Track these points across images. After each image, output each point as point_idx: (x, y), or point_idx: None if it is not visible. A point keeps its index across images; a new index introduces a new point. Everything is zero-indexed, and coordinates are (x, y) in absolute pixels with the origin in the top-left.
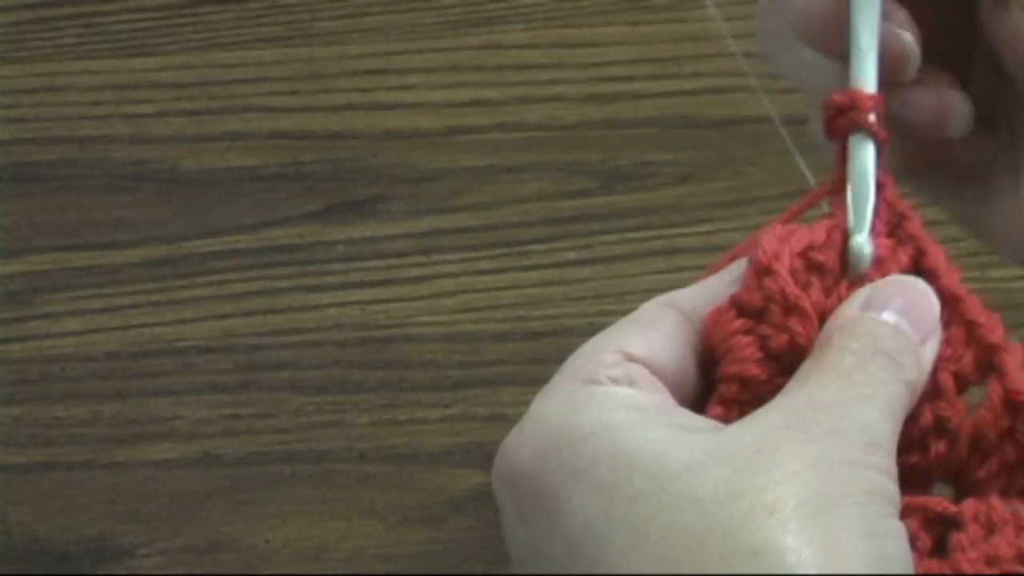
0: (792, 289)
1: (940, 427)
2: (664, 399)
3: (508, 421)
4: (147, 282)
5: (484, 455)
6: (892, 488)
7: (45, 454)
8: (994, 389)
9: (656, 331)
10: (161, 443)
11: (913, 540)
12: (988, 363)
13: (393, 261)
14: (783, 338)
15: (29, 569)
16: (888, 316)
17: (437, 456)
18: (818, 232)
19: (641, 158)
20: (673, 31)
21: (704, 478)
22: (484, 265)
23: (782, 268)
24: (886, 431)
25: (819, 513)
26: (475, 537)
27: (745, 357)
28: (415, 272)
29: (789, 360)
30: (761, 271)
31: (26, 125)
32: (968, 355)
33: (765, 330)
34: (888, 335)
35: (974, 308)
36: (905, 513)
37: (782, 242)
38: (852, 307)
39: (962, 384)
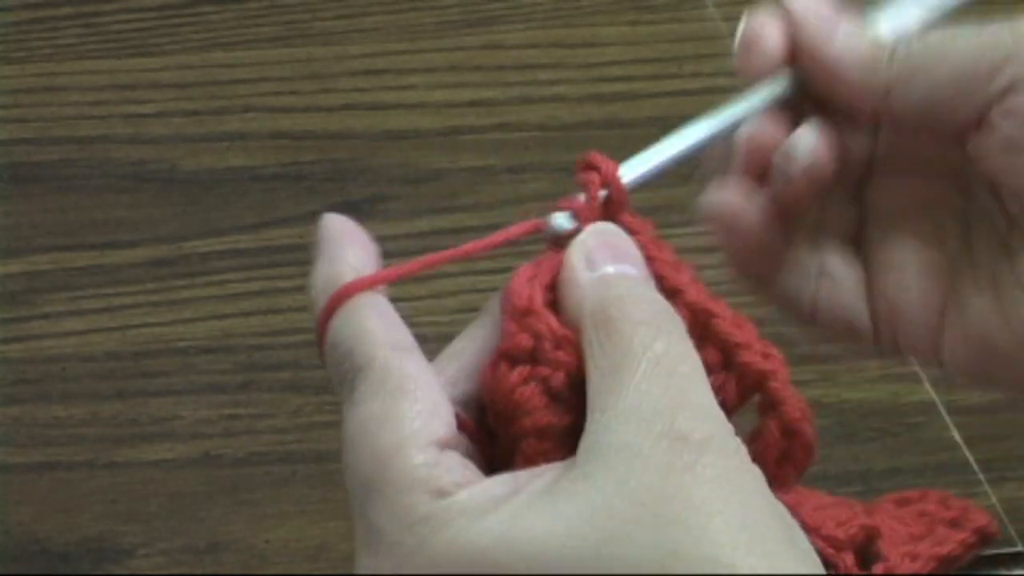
0: (555, 322)
1: None
2: (503, 480)
3: None
4: (147, 282)
5: None
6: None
7: (45, 454)
8: (773, 423)
9: (431, 396)
10: (161, 443)
11: None
12: (753, 386)
13: (393, 261)
14: (560, 375)
15: (29, 569)
16: (613, 268)
17: None
18: (557, 261)
19: None
20: (673, 31)
21: (629, 554)
22: (484, 265)
23: (539, 306)
24: (711, 399)
25: (752, 534)
26: None
27: (534, 408)
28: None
29: (571, 393)
30: (520, 314)
31: (26, 125)
32: (730, 383)
33: (542, 372)
34: (629, 293)
35: (728, 325)
36: None
37: (531, 281)
38: (580, 272)
39: (731, 410)
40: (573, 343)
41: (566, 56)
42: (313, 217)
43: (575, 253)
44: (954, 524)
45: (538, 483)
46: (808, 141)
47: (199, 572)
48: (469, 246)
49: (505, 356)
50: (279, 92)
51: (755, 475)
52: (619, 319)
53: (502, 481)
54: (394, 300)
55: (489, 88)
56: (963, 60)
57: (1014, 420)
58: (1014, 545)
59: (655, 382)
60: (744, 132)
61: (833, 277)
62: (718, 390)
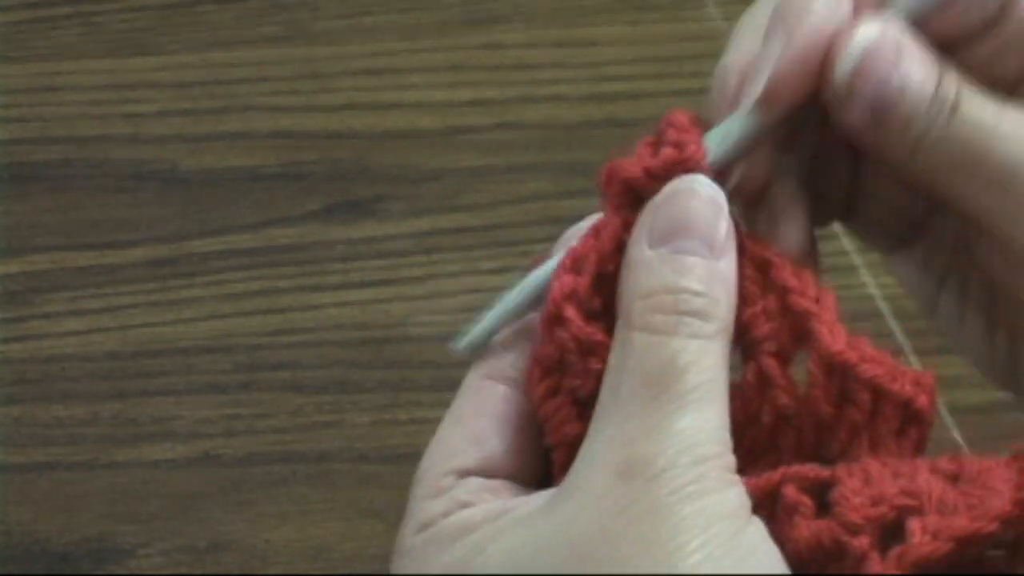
0: (583, 331)
1: (782, 419)
2: (497, 502)
3: None
4: (147, 282)
5: None
6: (737, 486)
7: (45, 454)
8: (812, 360)
9: (483, 421)
10: (161, 443)
11: (795, 506)
12: (804, 330)
13: (393, 261)
14: (589, 385)
15: (29, 569)
16: (673, 251)
17: None
18: (606, 242)
19: None
20: (673, 31)
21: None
22: (484, 265)
23: (571, 311)
24: (703, 419)
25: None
26: None
27: (562, 420)
28: (415, 272)
29: None
30: (552, 322)
31: (26, 125)
32: (783, 328)
33: (571, 383)
34: (681, 283)
35: (785, 273)
36: (782, 481)
37: (573, 274)
38: (641, 247)
39: (785, 360)
40: (606, 347)
41: (566, 56)
42: (313, 217)
43: (639, 226)
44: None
45: (521, 510)
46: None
47: (199, 572)
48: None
49: (537, 363)
50: (279, 92)
51: (714, 504)
52: (632, 325)
53: (486, 509)
54: (394, 300)
55: (489, 88)
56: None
57: (1014, 420)
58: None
59: (641, 403)
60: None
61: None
62: (773, 338)
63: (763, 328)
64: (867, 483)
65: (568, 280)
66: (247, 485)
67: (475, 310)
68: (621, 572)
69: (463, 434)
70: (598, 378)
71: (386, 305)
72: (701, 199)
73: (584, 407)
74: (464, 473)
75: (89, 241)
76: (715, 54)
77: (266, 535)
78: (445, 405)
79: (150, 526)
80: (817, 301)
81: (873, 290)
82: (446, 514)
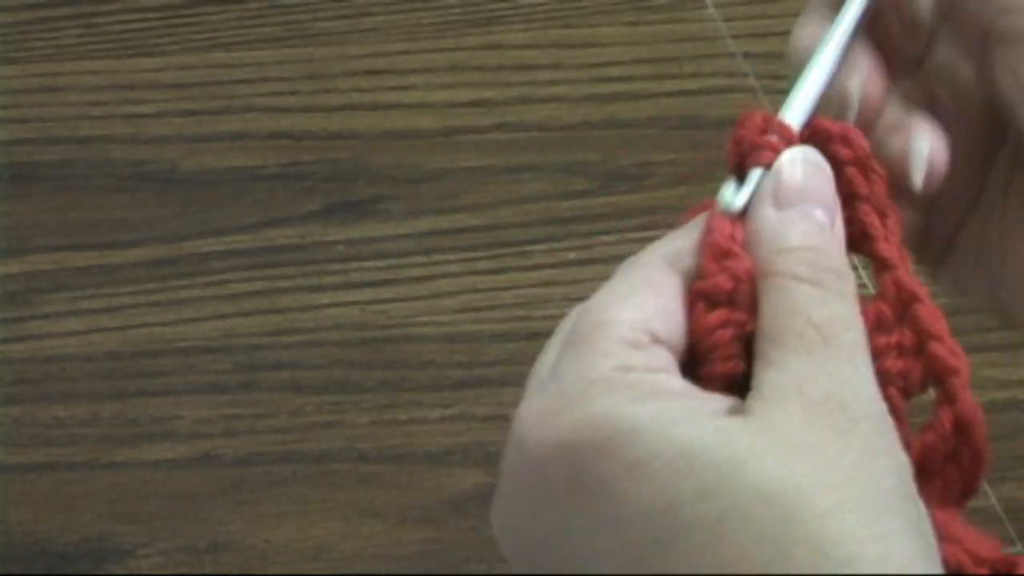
0: (752, 266)
1: None
2: (689, 385)
3: (508, 421)
4: (147, 282)
5: (484, 455)
6: (904, 457)
7: (45, 454)
8: (946, 416)
9: (667, 301)
10: (161, 443)
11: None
12: (937, 379)
13: (393, 261)
14: (753, 323)
15: (29, 569)
16: (797, 210)
17: (437, 456)
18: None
19: (641, 158)
20: (673, 31)
21: (769, 473)
22: (484, 265)
23: (740, 248)
24: (874, 390)
25: (884, 512)
26: (475, 537)
27: (729, 355)
28: (415, 272)
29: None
30: (720, 255)
31: (26, 125)
32: (916, 369)
33: (738, 316)
34: (803, 244)
35: (929, 313)
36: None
37: (732, 222)
38: (766, 208)
39: (906, 397)
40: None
41: (566, 56)
42: (313, 217)
43: (768, 185)
44: None
45: (712, 404)
46: (927, 146)
47: (199, 572)
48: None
49: (703, 296)
50: (279, 92)
51: (900, 460)
52: (785, 273)
53: (685, 385)
54: (394, 300)
55: (489, 88)
56: None
57: (1014, 420)
58: (1014, 545)
59: (816, 350)
60: (853, 94)
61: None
62: (904, 374)
63: (895, 363)
64: (968, 532)
65: (728, 222)
66: (247, 485)
67: (475, 310)
68: (835, 484)
69: (657, 303)
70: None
71: (386, 305)
72: (816, 168)
73: (746, 345)
74: (656, 339)
75: (89, 241)
76: (715, 54)
77: (266, 535)
78: (445, 405)
79: (150, 526)
80: (956, 355)
81: (873, 290)
82: (649, 369)
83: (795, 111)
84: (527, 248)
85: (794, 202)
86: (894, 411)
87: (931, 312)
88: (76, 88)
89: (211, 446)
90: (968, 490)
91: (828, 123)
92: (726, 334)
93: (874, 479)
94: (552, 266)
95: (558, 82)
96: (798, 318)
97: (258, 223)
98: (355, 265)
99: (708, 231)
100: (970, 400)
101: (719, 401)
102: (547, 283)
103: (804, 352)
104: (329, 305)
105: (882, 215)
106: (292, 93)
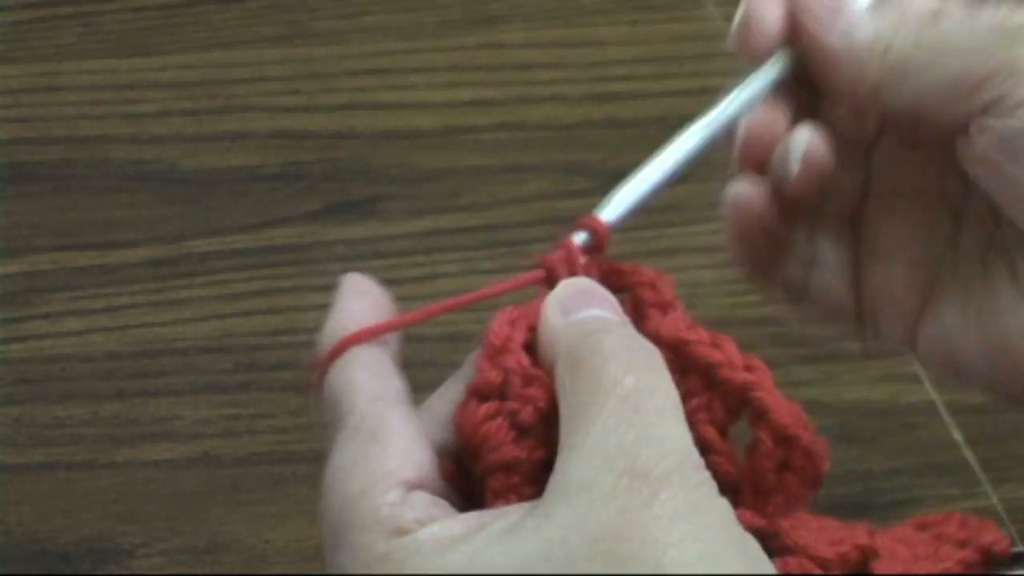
0: (527, 360)
1: (722, 484)
2: (466, 519)
3: None
4: (147, 282)
5: None
6: (716, 491)
7: (45, 454)
8: (763, 432)
9: (406, 439)
10: (161, 443)
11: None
12: (740, 401)
13: (393, 261)
14: (529, 409)
15: (29, 569)
16: (585, 313)
17: None
18: (538, 308)
19: (641, 158)
20: (673, 31)
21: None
22: (484, 265)
23: (515, 345)
24: (681, 432)
25: (708, 566)
26: None
27: (500, 442)
28: (415, 272)
29: (543, 428)
30: (495, 352)
31: (26, 125)
32: (716, 402)
33: (511, 407)
34: (600, 331)
35: (703, 348)
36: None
37: (512, 323)
38: (554, 318)
39: (723, 429)
40: (545, 382)
41: (566, 56)
42: (313, 217)
43: (550, 303)
44: (962, 544)
45: (501, 522)
46: (805, 141)
47: (199, 572)
48: (470, 296)
49: (475, 392)
50: (279, 92)
51: (719, 508)
52: (590, 356)
53: (464, 519)
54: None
55: (489, 88)
56: (949, 70)
57: (1014, 420)
58: (1014, 545)
59: (622, 419)
60: (742, 125)
61: (825, 261)
62: (705, 409)
63: (695, 403)
64: (823, 530)
65: (508, 321)
66: (247, 485)
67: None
68: (653, 569)
69: (394, 450)
70: (535, 405)
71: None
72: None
73: (520, 433)
74: (409, 487)
75: (89, 241)
76: (715, 54)
77: (266, 535)
78: None
79: (150, 526)
80: (749, 369)
81: None
82: (422, 522)
83: (612, 209)
84: (527, 248)
85: (582, 307)
86: (712, 446)
87: (708, 345)
88: (76, 88)
89: (211, 446)
90: (814, 484)
91: (639, 270)
92: (494, 424)
93: (696, 535)
94: None
95: (558, 82)
96: (606, 391)
97: (258, 223)
98: (355, 265)
99: (487, 333)
100: (781, 406)
101: (510, 515)
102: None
103: (612, 423)
104: (329, 305)
105: (661, 304)
106: (292, 93)
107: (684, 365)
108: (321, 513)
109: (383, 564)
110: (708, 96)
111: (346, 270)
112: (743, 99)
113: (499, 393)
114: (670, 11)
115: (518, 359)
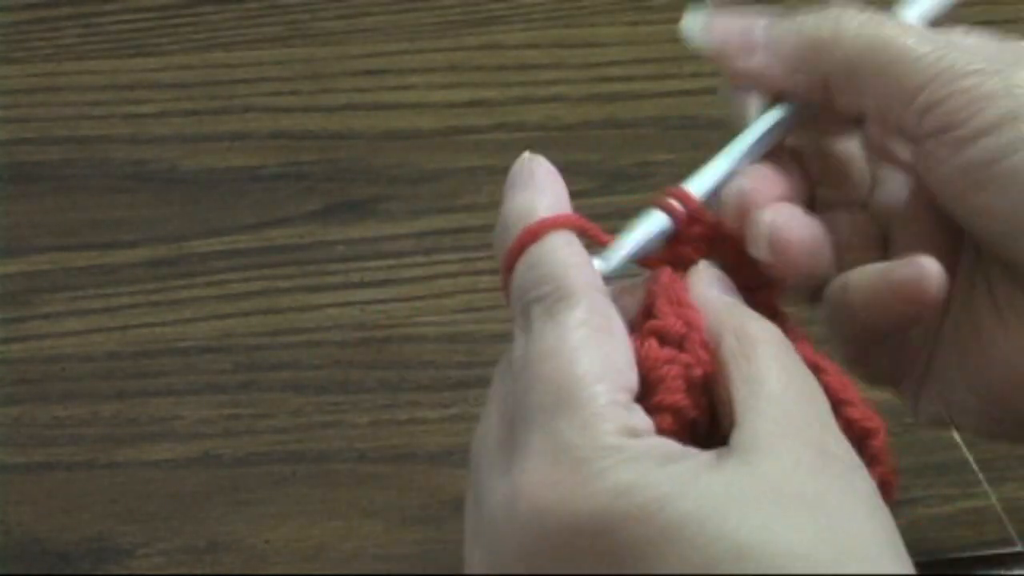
0: (703, 320)
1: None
2: (668, 442)
3: None
4: (147, 282)
5: None
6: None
7: (45, 454)
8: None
9: (627, 347)
10: (161, 443)
11: None
12: (856, 442)
13: (393, 261)
14: (699, 370)
15: (29, 569)
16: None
17: (437, 456)
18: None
19: (641, 158)
20: (673, 31)
21: (794, 539)
22: (484, 265)
23: (694, 301)
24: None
25: (894, 551)
26: None
27: (676, 388)
28: (415, 272)
29: (699, 392)
30: (677, 302)
31: (26, 125)
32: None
33: (687, 359)
34: (761, 319)
35: (834, 380)
36: None
37: (679, 280)
38: (716, 293)
39: None
40: (711, 348)
41: (566, 56)
42: (313, 217)
43: (703, 276)
44: None
45: (701, 458)
46: (767, 219)
47: (199, 572)
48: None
49: (656, 333)
50: (279, 92)
51: (884, 505)
52: (759, 338)
53: (668, 442)
54: (394, 300)
55: (489, 88)
56: (889, 73)
57: None
58: (1014, 545)
59: (799, 398)
60: (732, 190)
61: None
62: None
63: None
64: None
65: (678, 278)
66: (247, 485)
67: (475, 310)
68: (858, 527)
69: (622, 352)
70: (704, 368)
71: (386, 305)
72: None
73: (689, 387)
74: (633, 394)
75: (89, 241)
76: None
77: (266, 535)
78: (445, 405)
79: (150, 526)
80: (870, 416)
81: None
82: (651, 432)
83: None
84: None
85: (728, 287)
86: None
87: (839, 379)
88: (76, 88)
89: (211, 446)
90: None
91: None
92: (673, 369)
93: (866, 521)
94: None
95: (558, 82)
96: (781, 369)
97: (258, 223)
98: (355, 265)
99: (664, 281)
100: (889, 459)
101: (699, 455)
102: None
103: (792, 400)
104: (329, 305)
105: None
106: (292, 93)
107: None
108: (538, 379)
109: (618, 455)
110: (708, 96)
111: (346, 270)
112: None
113: (678, 343)
114: (670, 11)
115: (699, 317)
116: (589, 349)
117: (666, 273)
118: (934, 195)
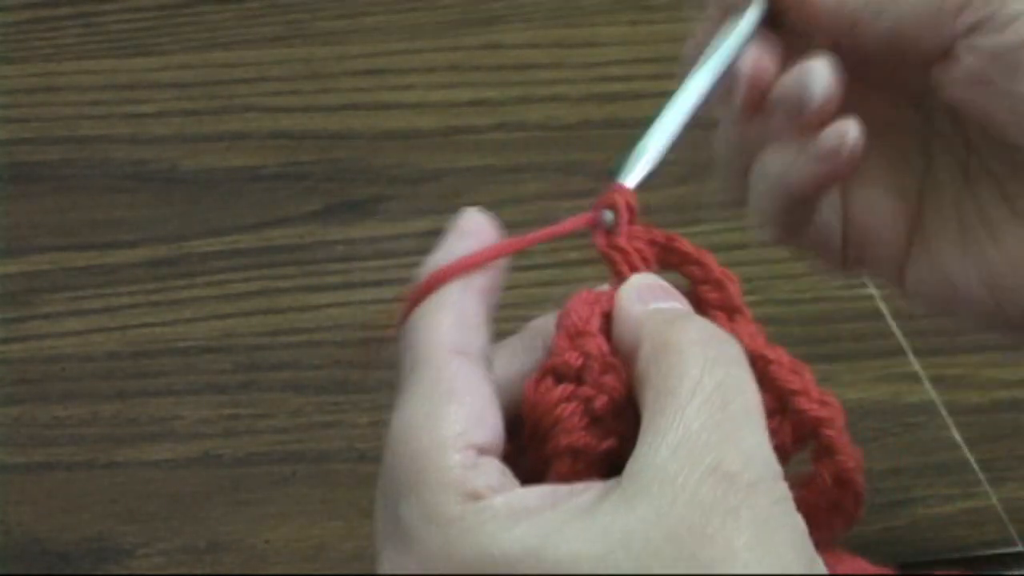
0: (606, 347)
1: None
2: (540, 492)
3: None
4: (147, 282)
5: None
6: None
7: (45, 454)
8: (825, 470)
9: (479, 401)
10: (161, 443)
11: None
12: (810, 434)
13: (393, 261)
14: (604, 398)
15: (29, 569)
16: (666, 304)
17: None
18: (613, 295)
19: None
20: (673, 31)
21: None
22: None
23: (594, 328)
24: (764, 439)
25: None
26: None
27: (573, 427)
28: (415, 272)
29: (612, 419)
30: (574, 334)
31: (26, 125)
32: (786, 428)
33: (586, 392)
34: (686, 322)
35: (783, 370)
36: None
37: (591, 305)
38: (635, 305)
39: (785, 456)
40: (620, 372)
41: (566, 56)
42: (313, 217)
43: (627, 291)
44: None
45: (577, 501)
46: (823, 73)
47: (199, 572)
48: (540, 233)
49: (551, 372)
50: (279, 92)
51: (797, 525)
52: (678, 344)
53: (539, 493)
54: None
55: (489, 88)
56: None
57: (1014, 420)
58: (1014, 545)
59: (709, 414)
60: (741, 67)
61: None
62: (773, 434)
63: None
64: (858, 570)
65: (588, 302)
66: (247, 485)
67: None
68: (729, 569)
69: (468, 411)
70: (610, 395)
71: (386, 305)
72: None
73: (592, 420)
74: (481, 451)
75: (89, 241)
76: None
77: (266, 535)
78: None
79: (150, 526)
80: (824, 404)
81: (873, 290)
82: (494, 489)
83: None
84: (527, 248)
85: (660, 299)
86: None
87: (788, 369)
88: (76, 88)
89: (211, 446)
90: (849, 526)
91: (704, 260)
92: (569, 407)
93: (777, 553)
94: (552, 266)
95: (558, 82)
96: (694, 380)
97: (258, 223)
98: (355, 265)
99: (566, 313)
100: (848, 449)
101: (582, 494)
102: (547, 283)
103: (698, 416)
104: (329, 305)
105: (731, 308)
106: (292, 93)
107: (760, 381)
108: (386, 464)
109: (456, 527)
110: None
111: (346, 270)
112: (732, 43)
113: (576, 376)
114: (670, 11)
115: (599, 344)
116: (427, 421)
117: (576, 299)
118: (960, 95)
